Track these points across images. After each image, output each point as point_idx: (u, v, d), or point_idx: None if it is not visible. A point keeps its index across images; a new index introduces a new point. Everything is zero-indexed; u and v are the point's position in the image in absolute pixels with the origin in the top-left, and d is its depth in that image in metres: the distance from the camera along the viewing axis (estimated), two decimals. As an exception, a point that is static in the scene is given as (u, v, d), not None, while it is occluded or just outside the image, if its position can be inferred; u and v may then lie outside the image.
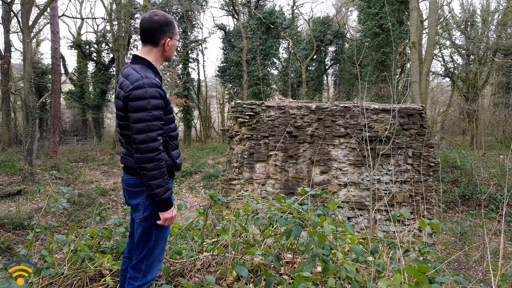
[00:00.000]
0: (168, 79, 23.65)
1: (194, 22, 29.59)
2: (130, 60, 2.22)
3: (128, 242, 2.42)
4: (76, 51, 30.99)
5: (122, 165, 2.23)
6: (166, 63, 24.11)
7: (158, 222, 2.11)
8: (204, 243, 3.36)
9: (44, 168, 17.10)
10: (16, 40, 73.70)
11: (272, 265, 2.84)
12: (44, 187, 3.61)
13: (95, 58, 31.43)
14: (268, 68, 28.63)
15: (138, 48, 29.52)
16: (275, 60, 30.21)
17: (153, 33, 2.13)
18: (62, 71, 27.36)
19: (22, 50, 21.91)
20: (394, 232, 8.63)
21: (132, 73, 2.05)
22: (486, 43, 24.86)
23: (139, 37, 2.32)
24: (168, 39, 2.16)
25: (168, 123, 2.16)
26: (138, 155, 1.98)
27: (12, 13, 21.85)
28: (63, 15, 30.25)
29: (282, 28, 27.74)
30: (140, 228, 2.15)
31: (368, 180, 8.84)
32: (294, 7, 32.91)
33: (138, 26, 2.25)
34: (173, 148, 2.21)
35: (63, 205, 3.02)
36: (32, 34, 23.03)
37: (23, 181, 16.11)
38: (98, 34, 32.15)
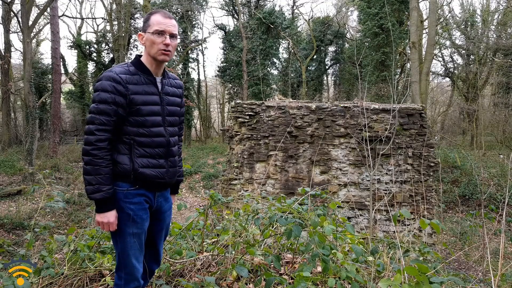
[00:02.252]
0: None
1: (194, 22, 29.59)
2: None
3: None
4: (76, 51, 31.00)
5: None
6: (166, 63, 24.01)
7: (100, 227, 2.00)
8: (204, 243, 3.36)
9: (38, 168, 17.08)
10: (16, 40, 73.73)
11: (272, 265, 2.84)
12: (40, 187, 3.61)
13: (95, 58, 31.43)
14: (268, 68, 28.63)
15: (138, 48, 29.54)
16: (275, 60, 30.20)
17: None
18: (62, 71, 27.36)
19: (22, 50, 21.92)
20: (394, 232, 8.63)
21: None
22: (486, 43, 24.86)
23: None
24: (141, 33, 2.05)
25: (134, 125, 1.98)
26: (82, 147, 1.94)
27: (12, 13, 21.85)
28: (63, 15, 30.28)
29: (282, 28, 27.74)
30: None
31: (368, 180, 8.84)
32: (294, 7, 32.92)
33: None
34: (141, 154, 2.00)
35: (59, 205, 3.02)
36: (32, 34, 23.04)
37: (23, 181, 16.12)
38: (98, 34, 32.16)
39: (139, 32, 2.08)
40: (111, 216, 1.95)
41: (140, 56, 2.10)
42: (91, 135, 1.89)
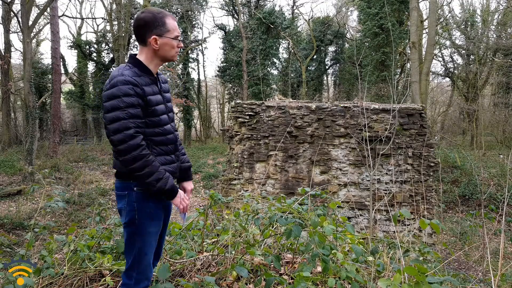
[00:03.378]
0: (168, 79, 23.66)
1: (194, 22, 29.60)
2: None
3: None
4: (76, 51, 31.00)
5: None
6: (166, 63, 24.06)
7: (180, 209, 2.08)
8: (204, 243, 3.36)
9: (38, 168, 17.08)
10: (16, 40, 73.72)
11: (272, 265, 2.84)
12: (39, 186, 3.61)
13: (95, 58, 31.43)
14: (268, 68, 28.63)
15: (138, 48, 29.50)
16: (275, 60, 30.20)
17: (139, 31, 2.03)
18: (62, 71, 27.35)
19: (22, 50, 21.92)
20: (394, 232, 8.63)
21: (113, 72, 1.97)
22: (486, 43, 24.85)
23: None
24: (155, 37, 2.00)
25: (150, 126, 2.02)
26: (122, 158, 1.87)
27: (12, 13, 21.85)
28: (63, 15, 30.28)
29: (282, 28, 27.74)
30: (125, 234, 2.06)
31: (368, 180, 8.84)
32: (294, 7, 32.93)
33: None
34: (158, 153, 2.06)
35: (59, 205, 3.02)
36: (32, 34, 23.03)
37: (23, 181, 16.11)
38: (98, 34, 32.16)
39: (154, 36, 2.00)
40: (181, 193, 2.09)
41: (132, 55, 2.08)
42: (132, 139, 1.86)
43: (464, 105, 24.12)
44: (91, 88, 32.63)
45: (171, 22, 2.05)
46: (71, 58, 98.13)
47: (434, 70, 28.63)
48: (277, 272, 2.90)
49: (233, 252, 2.92)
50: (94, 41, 31.40)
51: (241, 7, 28.72)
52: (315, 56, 31.57)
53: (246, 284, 2.68)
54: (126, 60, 2.14)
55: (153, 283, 2.50)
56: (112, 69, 30.17)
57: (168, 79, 23.39)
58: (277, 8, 29.34)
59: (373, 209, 8.26)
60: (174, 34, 2.05)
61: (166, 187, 1.96)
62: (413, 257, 3.13)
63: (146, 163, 1.89)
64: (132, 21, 29.90)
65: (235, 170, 9.76)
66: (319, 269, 2.69)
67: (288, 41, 30.10)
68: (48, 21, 25.58)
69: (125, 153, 1.86)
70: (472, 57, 25.60)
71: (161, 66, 2.24)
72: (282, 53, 33.19)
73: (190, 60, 29.97)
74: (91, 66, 32.43)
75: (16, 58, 29.82)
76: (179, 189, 2.08)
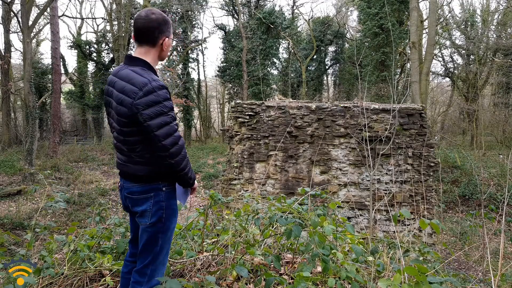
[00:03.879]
0: (168, 79, 23.64)
1: (194, 22, 29.60)
2: (125, 61, 2.09)
3: (130, 246, 2.36)
4: (76, 51, 31.00)
5: (122, 173, 2.14)
6: (166, 63, 24.12)
7: (191, 195, 2.27)
8: (204, 243, 3.36)
9: (39, 168, 17.09)
10: (16, 40, 73.74)
11: (272, 265, 2.84)
12: (40, 187, 3.62)
13: (95, 58, 31.43)
14: (268, 68, 28.64)
15: (137, 49, 29.44)
16: (275, 60, 30.21)
17: (151, 32, 2.01)
18: (62, 71, 27.35)
19: (22, 50, 21.92)
20: (394, 232, 8.63)
21: (134, 77, 1.93)
22: (486, 43, 24.86)
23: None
24: (166, 38, 2.07)
25: None
26: (175, 159, 1.97)
27: (12, 13, 21.85)
28: (63, 15, 30.28)
29: (282, 28, 27.74)
30: (146, 234, 2.08)
31: (368, 180, 8.84)
32: (294, 7, 32.94)
33: (133, 25, 2.13)
34: None
35: (60, 205, 3.02)
36: (32, 34, 23.03)
37: (23, 181, 16.11)
38: (98, 34, 32.16)
39: (165, 37, 2.07)
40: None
41: (138, 58, 2.06)
42: (180, 139, 1.99)
43: (464, 105, 24.12)
44: (91, 88, 32.63)
45: (171, 23, 2.15)
46: (71, 58, 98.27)
47: (434, 70, 28.67)
48: (277, 272, 2.90)
49: (233, 252, 2.92)
50: (94, 41, 31.40)
51: (241, 7, 28.72)
52: (315, 56, 31.58)
53: (246, 284, 2.68)
54: (123, 62, 2.10)
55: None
56: (112, 69, 30.16)
57: (168, 79, 23.39)
58: (277, 8, 29.37)
59: (373, 209, 8.26)
60: (172, 35, 2.14)
61: (195, 179, 2.18)
62: (413, 257, 3.14)
63: (188, 162, 2.07)
64: (132, 21, 29.82)
65: (235, 170, 9.76)
66: (319, 269, 2.69)
67: (288, 41, 30.11)
68: (48, 21, 25.58)
69: (177, 154, 1.97)
70: (472, 57, 25.61)
71: (161, 66, 2.27)
72: (282, 53, 33.23)
73: (190, 60, 29.97)
74: (91, 66, 32.45)
75: (16, 58, 29.85)
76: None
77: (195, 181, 2.25)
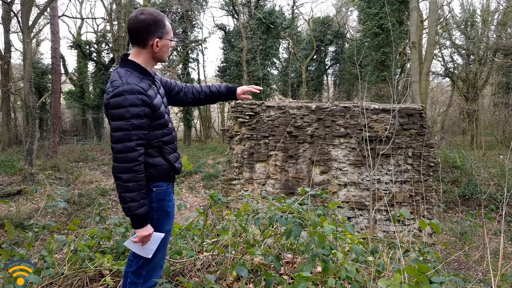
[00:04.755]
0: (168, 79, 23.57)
1: (194, 22, 29.59)
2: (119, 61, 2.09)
3: None
4: (76, 51, 30.99)
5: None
6: (166, 63, 24.15)
7: (133, 239, 1.96)
8: (204, 243, 3.36)
9: (39, 168, 17.08)
10: (16, 40, 73.73)
11: (272, 265, 2.84)
12: (41, 187, 3.62)
13: (95, 58, 31.43)
14: (268, 68, 28.64)
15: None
16: (275, 60, 30.21)
17: (139, 33, 1.97)
18: (62, 71, 27.36)
19: (22, 50, 21.92)
20: (394, 232, 8.63)
21: (115, 78, 1.93)
22: (486, 43, 24.86)
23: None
24: (157, 39, 1.99)
25: (159, 128, 2.05)
26: (115, 164, 1.89)
27: (12, 13, 21.85)
28: (63, 15, 30.31)
29: (282, 28, 27.74)
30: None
31: (368, 180, 8.84)
32: (294, 7, 32.93)
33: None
34: (169, 152, 2.12)
35: (61, 205, 3.02)
36: (32, 34, 23.03)
37: (23, 181, 16.12)
38: (98, 34, 32.16)
39: (156, 38, 1.99)
40: (150, 227, 1.99)
41: (128, 59, 2.04)
42: (132, 151, 1.87)
43: (464, 105, 24.13)
44: (91, 88, 32.63)
45: (168, 24, 2.06)
46: (71, 58, 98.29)
47: (434, 70, 28.67)
48: (277, 272, 2.90)
49: (233, 252, 2.92)
50: (94, 41, 31.40)
51: (241, 7, 28.72)
52: (315, 56, 31.58)
53: (246, 284, 2.68)
54: (118, 63, 2.09)
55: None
56: (112, 69, 30.17)
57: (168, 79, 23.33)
58: (277, 8, 29.37)
59: (373, 209, 8.26)
60: (171, 35, 2.08)
61: (135, 211, 1.89)
62: (413, 257, 3.13)
63: (134, 178, 1.88)
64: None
65: (235, 170, 9.76)
66: (319, 269, 2.69)
67: (288, 41, 30.10)
68: (48, 21, 25.59)
69: (119, 161, 1.88)
70: (472, 57, 25.60)
71: (161, 66, 2.24)
72: (282, 53, 33.22)
73: (190, 60, 29.97)
74: (91, 66, 32.44)
75: (16, 58, 29.82)
76: (150, 228, 1.99)
77: (145, 230, 1.94)
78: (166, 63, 24.16)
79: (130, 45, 2.07)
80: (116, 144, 1.88)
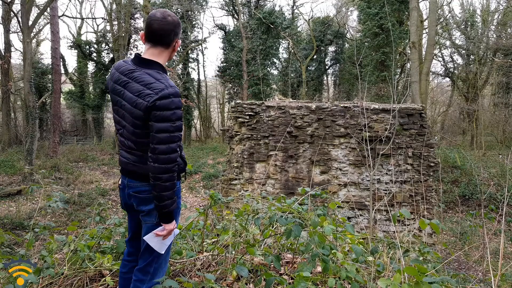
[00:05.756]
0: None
1: (194, 22, 29.60)
2: (135, 61, 2.07)
3: (128, 245, 2.37)
4: (76, 51, 31.00)
5: (128, 172, 2.16)
6: (166, 63, 24.04)
7: (159, 232, 2.05)
8: (204, 243, 3.36)
9: (38, 168, 17.07)
10: (16, 40, 73.75)
11: (272, 265, 2.84)
12: (38, 187, 3.62)
13: (95, 58, 31.43)
14: (268, 68, 28.63)
15: (138, 48, 29.43)
16: (275, 60, 30.20)
17: (167, 34, 2.03)
18: (62, 71, 27.35)
19: (22, 50, 21.91)
20: (394, 232, 8.63)
21: (152, 81, 1.96)
22: (486, 43, 24.86)
23: (139, 37, 2.24)
24: (179, 40, 2.13)
25: None
26: (157, 164, 1.94)
27: (12, 13, 21.83)
28: (63, 15, 30.29)
29: (282, 28, 27.73)
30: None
31: (368, 180, 8.84)
32: (294, 7, 32.92)
33: (146, 25, 2.06)
34: (181, 149, 2.18)
35: (58, 205, 3.02)
36: (32, 34, 23.02)
37: (23, 181, 16.11)
38: (98, 34, 32.16)
39: (178, 40, 2.11)
40: (175, 222, 2.12)
41: (154, 61, 2.07)
42: (174, 153, 1.96)
43: (464, 105, 24.13)
44: (91, 88, 32.64)
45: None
46: (71, 58, 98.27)
47: (434, 70, 28.68)
48: (277, 272, 2.90)
49: (233, 252, 2.92)
50: (94, 41, 31.40)
51: (241, 7, 28.72)
52: (315, 56, 31.57)
53: (246, 284, 2.68)
54: (133, 62, 2.10)
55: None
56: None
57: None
58: (277, 8, 29.37)
59: (373, 209, 8.26)
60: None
61: (170, 208, 2.02)
62: (413, 257, 3.13)
63: (172, 178, 1.98)
64: (132, 21, 29.71)
65: (235, 170, 9.76)
66: (319, 269, 2.69)
67: (288, 41, 30.09)
68: (48, 21, 25.58)
69: (162, 162, 1.94)
70: (472, 57, 25.60)
71: None
72: (282, 53, 33.22)
73: (190, 60, 29.98)
74: (91, 66, 32.45)
75: (16, 58, 29.79)
76: (175, 222, 2.12)
77: (173, 224, 2.08)
78: (166, 63, 24.10)
79: (148, 45, 2.06)
80: (160, 145, 1.93)
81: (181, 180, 2.22)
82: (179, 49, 28.06)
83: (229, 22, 66.06)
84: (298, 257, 3.22)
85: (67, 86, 32.72)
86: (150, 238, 2.08)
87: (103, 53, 31.66)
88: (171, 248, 2.26)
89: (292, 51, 30.63)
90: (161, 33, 2.02)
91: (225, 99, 34.33)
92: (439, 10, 24.52)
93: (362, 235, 3.40)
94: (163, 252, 2.13)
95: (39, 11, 21.17)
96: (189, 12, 27.67)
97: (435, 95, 29.01)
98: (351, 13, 36.74)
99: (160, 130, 1.92)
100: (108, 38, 30.79)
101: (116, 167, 20.91)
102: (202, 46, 31.86)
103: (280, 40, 29.75)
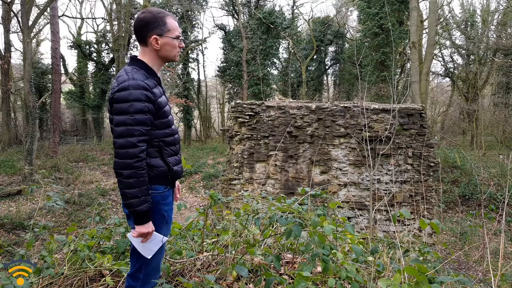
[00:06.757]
0: (168, 79, 23.66)
1: (194, 22, 29.60)
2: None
3: None
4: (76, 51, 31.01)
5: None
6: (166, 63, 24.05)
7: (132, 235, 1.95)
8: (204, 243, 3.36)
9: (38, 168, 17.08)
10: (16, 40, 73.77)
11: (272, 265, 2.84)
12: (38, 187, 3.62)
13: (95, 58, 31.43)
14: (268, 68, 28.63)
15: (138, 48, 29.41)
16: (275, 60, 30.20)
17: (139, 32, 2.02)
18: (62, 71, 27.35)
19: (22, 50, 21.91)
20: (394, 232, 8.63)
21: (121, 74, 1.94)
22: (486, 43, 24.86)
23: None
24: (156, 36, 2.00)
25: (161, 128, 2.03)
26: (116, 159, 1.87)
27: (12, 13, 21.84)
28: (63, 15, 30.30)
29: (282, 28, 27.73)
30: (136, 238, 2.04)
31: (368, 180, 8.84)
32: (294, 7, 32.93)
33: None
34: (169, 154, 2.08)
35: (57, 205, 3.01)
36: (32, 34, 23.02)
37: (23, 181, 16.11)
38: (98, 34, 32.16)
39: (154, 36, 2.00)
40: (151, 225, 1.97)
41: (136, 58, 2.06)
42: (133, 147, 1.86)
43: (464, 105, 24.13)
44: (91, 88, 32.63)
45: (172, 22, 2.05)
46: (71, 58, 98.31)
47: (434, 70, 28.67)
48: (277, 272, 2.90)
49: (233, 252, 2.92)
50: (94, 41, 31.40)
51: (241, 7, 28.72)
52: (315, 56, 31.57)
53: (246, 284, 2.68)
54: (127, 61, 2.13)
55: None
56: (112, 69, 30.18)
57: (168, 79, 23.37)
58: (277, 8, 29.37)
59: (373, 209, 8.26)
60: (175, 33, 2.06)
61: (137, 207, 1.88)
62: (413, 257, 3.13)
63: (135, 174, 1.86)
64: (132, 21, 29.91)
65: (235, 170, 9.76)
66: (319, 269, 2.69)
67: (288, 41, 30.10)
68: (48, 21, 25.58)
69: (121, 157, 1.86)
70: (472, 57, 25.60)
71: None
72: (282, 53, 33.22)
73: (190, 60, 29.97)
74: (91, 66, 32.45)
75: (16, 58, 29.80)
76: (151, 226, 1.97)
77: (146, 227, 1.92)
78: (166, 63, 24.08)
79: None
80: (118, 138, 1.87)
81: (168, 187, 2.09)
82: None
83: (229, 22, 66.12)
84: (298, 257, 3.22)
85: (67, 86, 32.73)
86: (130, 237, 2.01)
87: (103, 53, 31.67)
88: (162, 255, 2.17)
89: (292, 51, 30.63)
90: (136, 31, 2.03)
91: (225, 99, 34.33)
92: (439, 10, 24.52)
93: (362, 235, 3.40)
94: (149, 257, 2.03)
95: (39, 11, 21.17)
96: (189, 12, 27.66)
97: (435, 95, 29.01)
98: (351, 13, 36.76)
99: (118, 123, 1.86)
100: (108, 38, 30.79)
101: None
102: (202, 46, 31.87)
103: (280, 40, 29.75)
